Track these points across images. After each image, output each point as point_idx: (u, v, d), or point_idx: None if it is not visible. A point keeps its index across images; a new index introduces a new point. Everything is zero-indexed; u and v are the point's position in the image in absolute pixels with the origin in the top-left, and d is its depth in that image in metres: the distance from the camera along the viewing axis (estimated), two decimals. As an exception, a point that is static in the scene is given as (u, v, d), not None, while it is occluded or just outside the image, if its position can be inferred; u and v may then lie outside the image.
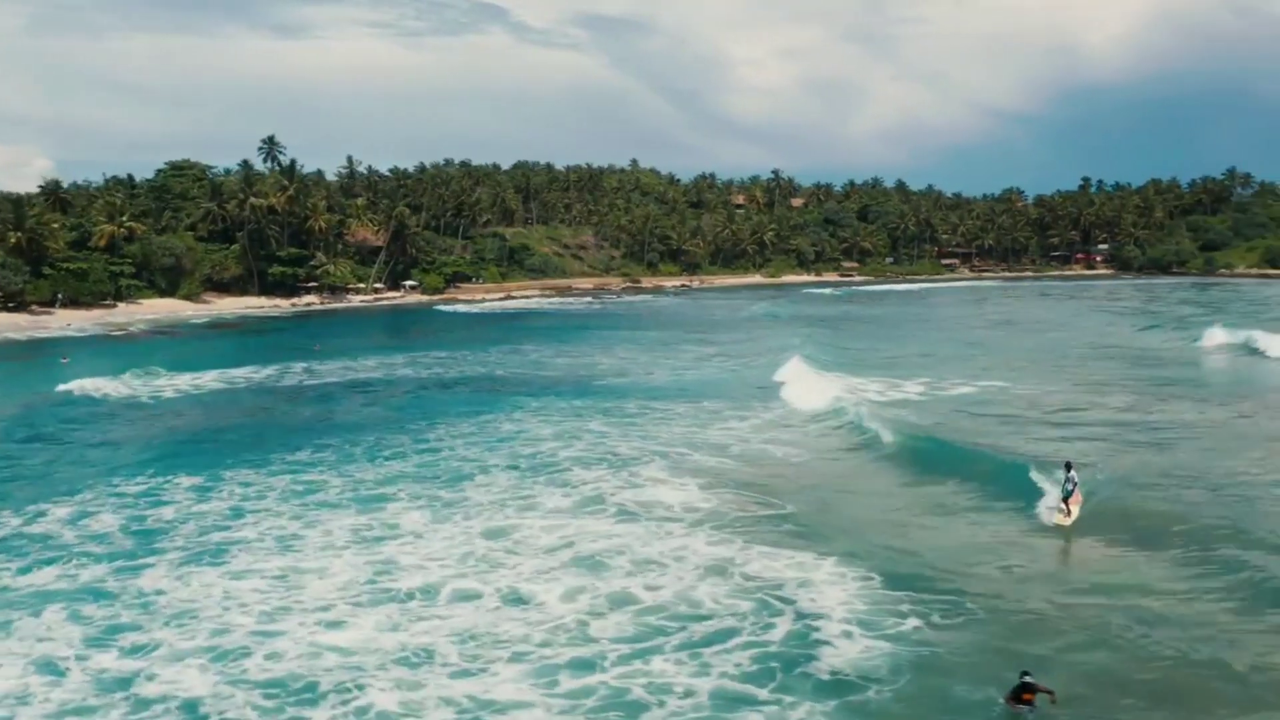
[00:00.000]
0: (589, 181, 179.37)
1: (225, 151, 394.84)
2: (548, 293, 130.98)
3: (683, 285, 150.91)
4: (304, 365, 52.83)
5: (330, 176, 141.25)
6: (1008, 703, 12.56)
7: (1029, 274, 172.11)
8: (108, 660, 15.07)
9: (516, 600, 17.20)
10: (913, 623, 15.34)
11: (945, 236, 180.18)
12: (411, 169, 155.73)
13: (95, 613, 17.01)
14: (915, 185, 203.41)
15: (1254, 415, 33.64)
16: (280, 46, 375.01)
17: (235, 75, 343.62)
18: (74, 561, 19.77)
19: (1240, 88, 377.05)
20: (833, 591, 16.62)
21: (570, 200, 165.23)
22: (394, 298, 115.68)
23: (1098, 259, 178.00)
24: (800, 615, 15.64)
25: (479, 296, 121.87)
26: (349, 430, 33.42)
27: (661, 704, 13.27)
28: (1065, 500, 19.40)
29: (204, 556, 19.96)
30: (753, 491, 24.12)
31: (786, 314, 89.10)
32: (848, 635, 14.88)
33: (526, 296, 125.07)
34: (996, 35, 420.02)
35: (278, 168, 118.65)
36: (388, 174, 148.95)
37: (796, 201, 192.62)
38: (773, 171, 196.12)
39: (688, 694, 13.47)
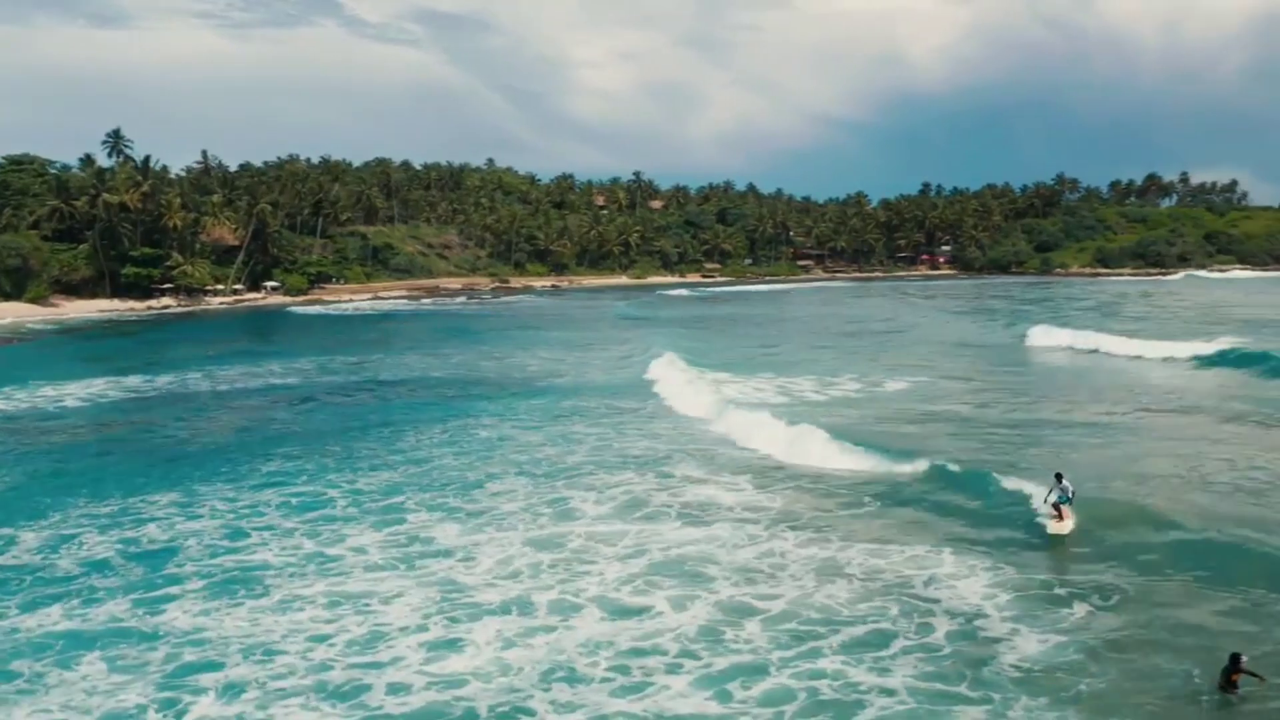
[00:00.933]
0: (450, 180, 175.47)
1: (46, 146, 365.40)
2: (416, 293, 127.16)
3: (553, 285, 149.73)
4: (201, 371, 48.97)
5: (176, 172, 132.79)
6: (1222, 688, 12.40)
7: (879, 274, 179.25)
8: (209, 708, 13.08)
9: (624, 611, 16.02)
10: (1080, 609, 15.10)
11: (800, 239, 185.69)
12: (260, 165, 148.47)
13: (145, 656, 14.79)
14: (746, 188, 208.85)
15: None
16: (98, 35, 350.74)
17: (52, 66, 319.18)
18: (81, 595, 17.26)
19: (1051, 98, 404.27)
20: (970, 585, 16.19)
21: (435, 199, 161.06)
22: (255, 299, 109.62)
23: (941, 260, 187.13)
24: (952, 613, 15.10)
25: (345, 297, 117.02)
26: (308, 439, 30.91)
27: (864, 703, 12.49)
28: (1058, 506, 18.99)
29: (234, 586, 17.73)
30: (818, 485, 23.59)
31: (686, 315, 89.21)
32: (1014, 629, 14.45)
33: (395, 297, 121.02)
34: (827, 45, 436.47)
35: (122, 162, 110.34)
36: (239, 170, 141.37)
37: (655, 203, 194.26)
38: (633, 173, 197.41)
39: (885, 692, 12.74)
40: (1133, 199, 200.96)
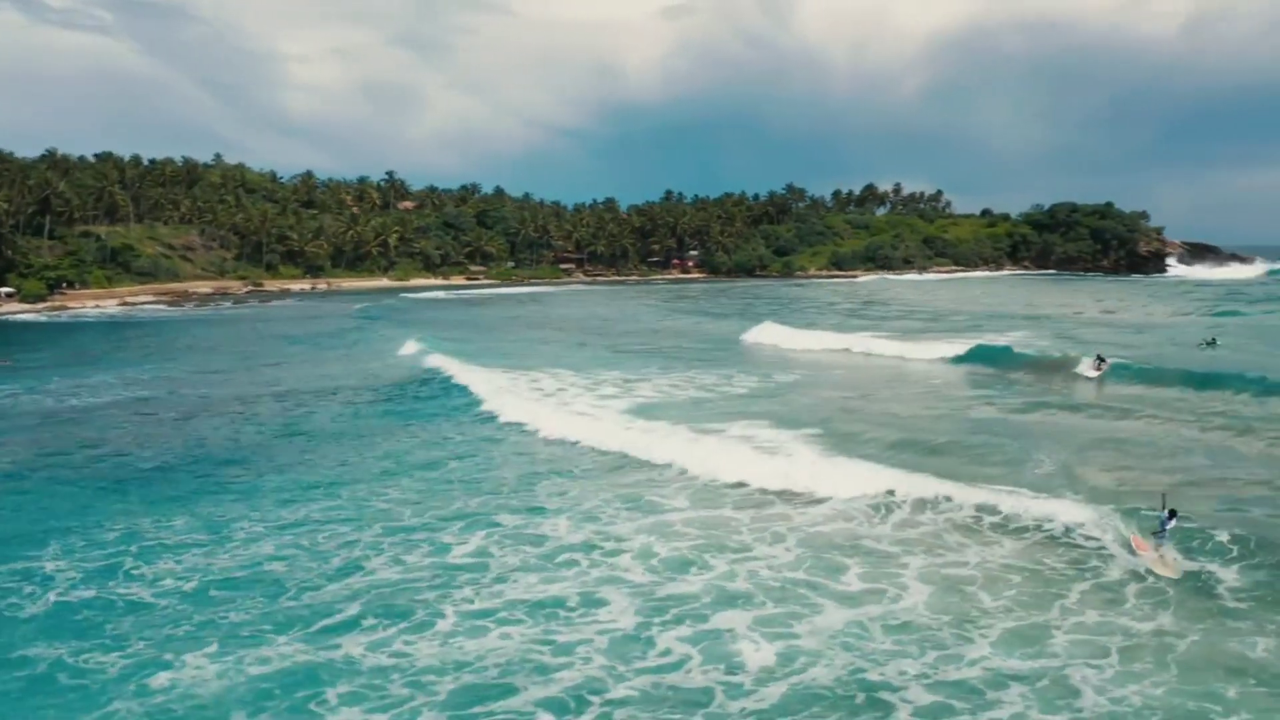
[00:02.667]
0: (186, 176, 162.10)
1: None
2: (165, 298, 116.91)
3: (311, 288, 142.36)
4: (17, 387, 43.04)
5: None
6: None
7: (635, 277, 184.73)
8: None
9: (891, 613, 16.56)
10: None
11: (559, 243, 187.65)
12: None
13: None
14: (495, 191, 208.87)
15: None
16: None
17: None
18: (211, 634, 15.53)
19: (754, 111, 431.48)
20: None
21: (177, 196, 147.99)
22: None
23: (690, 264, 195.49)
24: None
25: (91, 304, 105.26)
26: (278, 454, 28.69)
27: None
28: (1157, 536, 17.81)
29: (394, 615, 16.63)
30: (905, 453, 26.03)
31: (476, 318, 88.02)
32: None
33: (145, 302, 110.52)
34: (545, 52, 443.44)
35: None
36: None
37: (407, 204, 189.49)
38: (387, 173, 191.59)
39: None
40: (852, 207, 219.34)
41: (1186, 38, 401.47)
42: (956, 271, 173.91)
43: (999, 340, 54.64)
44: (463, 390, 39.71)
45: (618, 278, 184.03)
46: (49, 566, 19.17)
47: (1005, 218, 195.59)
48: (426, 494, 24.29)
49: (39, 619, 16.66)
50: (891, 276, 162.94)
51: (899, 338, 57.68)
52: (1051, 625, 15.44)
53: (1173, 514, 18.10)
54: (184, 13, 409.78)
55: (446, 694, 13.66)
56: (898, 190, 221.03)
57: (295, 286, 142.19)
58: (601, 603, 16.89)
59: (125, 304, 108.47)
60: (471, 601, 17.17)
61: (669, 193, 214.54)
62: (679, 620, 16.04)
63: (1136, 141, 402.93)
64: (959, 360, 48.49)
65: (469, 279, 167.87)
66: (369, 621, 16.36)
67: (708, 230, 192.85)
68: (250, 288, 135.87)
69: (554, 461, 27.59)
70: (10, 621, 16.57)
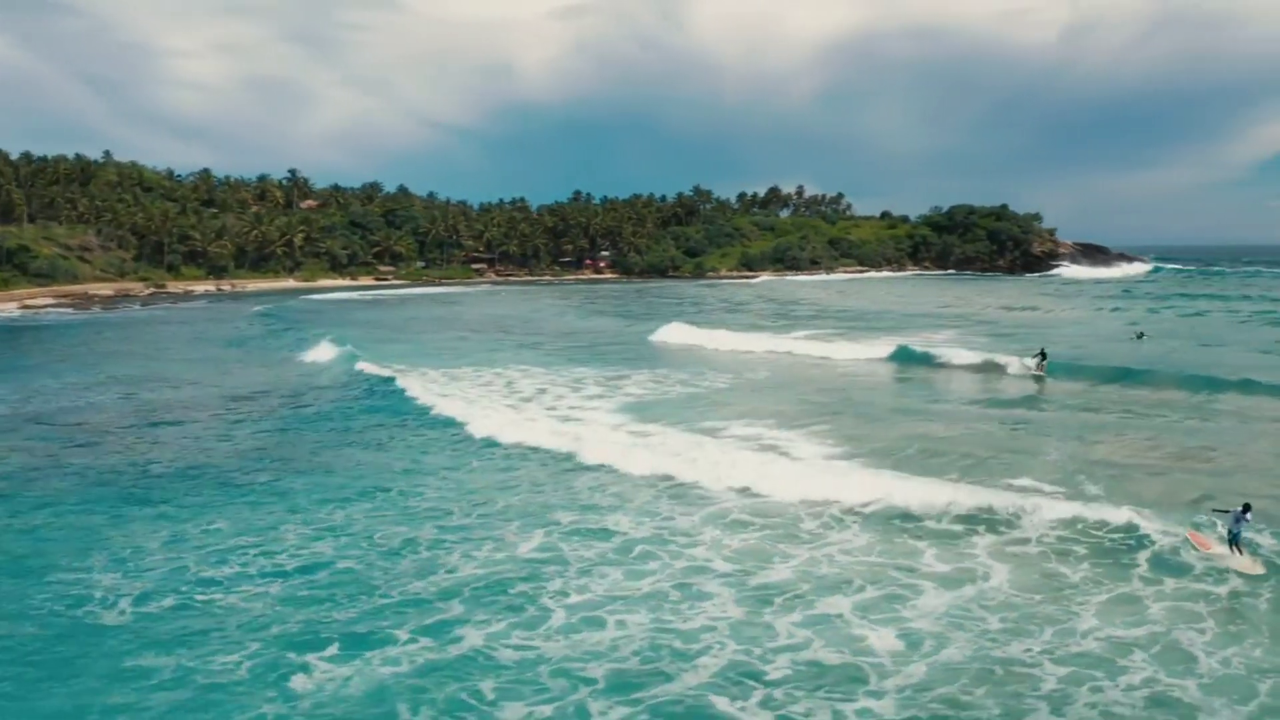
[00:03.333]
0: (80, 174, 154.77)
1: None
2: (66, 300, 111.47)
3: (217, 290, 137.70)
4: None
5: None
6: None
7: (548, 277, 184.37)
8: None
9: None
10: None
11: (469, 243, 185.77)
12: None
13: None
14: (398, 189, 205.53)
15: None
16: None
17: None
18: (324, 634, 15.51)
19: (649, 112, 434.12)
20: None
21: (74, 195, 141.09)
22: None
23: (603, 264, 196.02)
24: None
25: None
26: (273, 460, 27.94)
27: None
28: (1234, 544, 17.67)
29: (499, 609, 16.83)
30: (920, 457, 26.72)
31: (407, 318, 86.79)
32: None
33: (47, 306, 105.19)
34: (438, 50, 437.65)
35: None
36: None
37: (310, 203, 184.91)
38: (289, 171, 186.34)
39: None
40: (756, 209, 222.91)
41: (1064, 45, 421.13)
42: (864, 272, 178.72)
43: (935, 338, 57.03)
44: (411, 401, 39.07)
45: (530, 278, 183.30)
46: (106, 579, 18.51)
47: (905, 220, 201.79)
48: (455, 493, 24.29)
49: (130, 628, 16.21)
50: (797, 277, 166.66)
51: (849, 337, 59.48)
52: (1140, 596, 16.54)
53: (1247, 508, 17.96)
54: (60, 5, 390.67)
55: (604, 681, 13.90)
56: (800, 192, 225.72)
57: (199, 288, 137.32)
58: (703, 594, 17.28)
59: (26, 307, 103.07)
60: (568, 594, 17.37)
61: (578, 193, 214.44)
62: (788, 608, 16.55)
63: (1019, 145, 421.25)
64: (895, 358, 49.88)
65: (378, 279, 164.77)
66: (479, 616, 16.44)
67: (619, 231, 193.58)
68: (153, 289, 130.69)
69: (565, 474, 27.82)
70: (101, 631, 16.09)
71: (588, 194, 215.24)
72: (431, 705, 13.37)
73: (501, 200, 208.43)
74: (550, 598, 17.19)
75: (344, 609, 16.84)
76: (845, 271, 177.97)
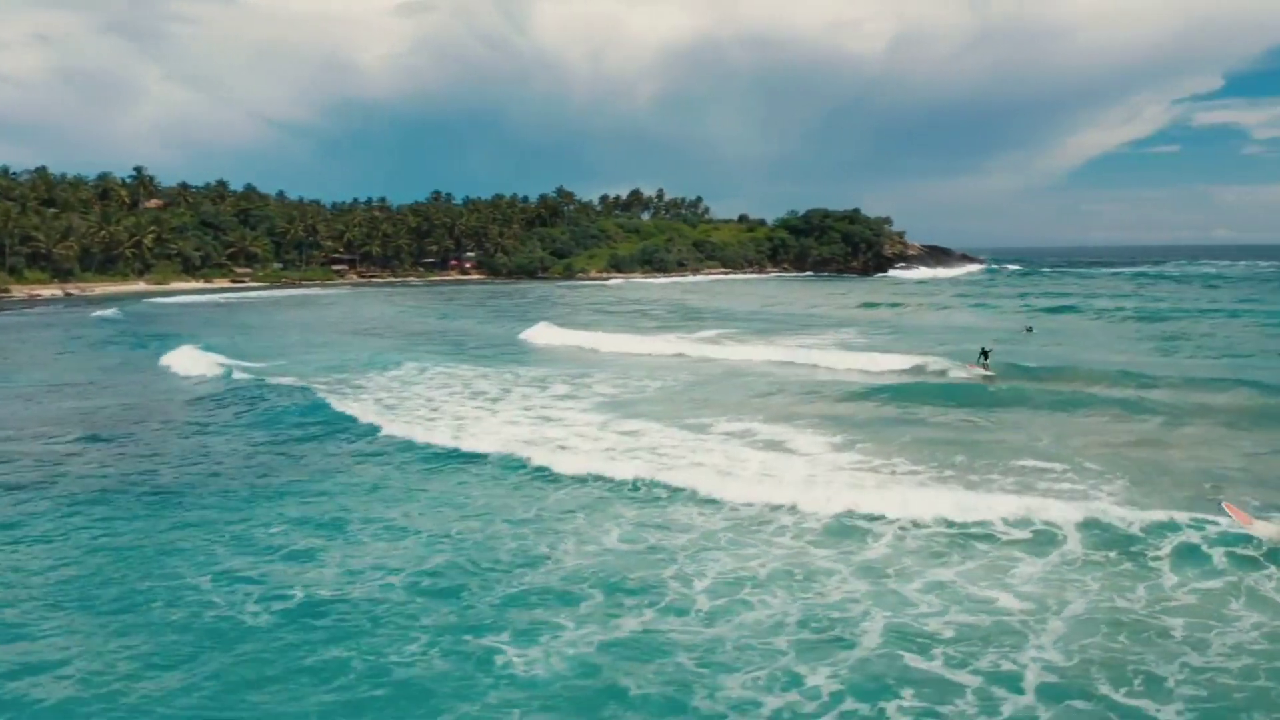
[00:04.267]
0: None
1: None
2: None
3: (65, 294, 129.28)
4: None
5: None
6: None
7: (413, 279, 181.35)
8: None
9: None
10: None
11: (329, 243, 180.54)
12: None
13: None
14: (245, 189, 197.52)
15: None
16: None
17: None
18: (488, 623, 15.88)
19: (495, 112, 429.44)
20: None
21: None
22: None
23: (469, 265, 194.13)
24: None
25: None
26: (264, 469, 27.41)
27: None
28: None
29: (635, 593, 17.48)
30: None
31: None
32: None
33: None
34: (272, 44, 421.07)
35: None
36: None
37: (154, 202, 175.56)
38: (135, 169, 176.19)
39: None
40: (619, 211, 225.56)
41: (893, 56, 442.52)
42: (729, 273, 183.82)
43: (851, 339, 60.04)
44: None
45: (394, 279, 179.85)
46: (203, 581, 18.12)
47: (762, 223, 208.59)
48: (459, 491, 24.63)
49: (285, 628, 15.87)
50: (667, 279, 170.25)
51: (766, 339, 61.60)
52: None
53: None
54: None
55: (804, 647, 14.83)
56: (661, 195, 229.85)
57: (45, 292, 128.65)
58: (824, 570, 18.36)
59: None
60: (691, 581, 17.80)
61: (437, 193, 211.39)
62: (906, 577, 17.87)
63: (853, 151, 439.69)
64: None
65: (235, 282, 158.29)
66: (629, 602, 16.84)
67: (486, 232, 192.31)
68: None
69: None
70: (257, 632, 15.79)
71: (448, 194, 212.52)
72: (640, 684, 13.85)
73: (356, 200, 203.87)
74: (678, 581, 17.87)
75: (482, 599, 16.99)
76: (710, 273, 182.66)
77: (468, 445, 28.71)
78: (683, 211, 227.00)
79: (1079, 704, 13.17)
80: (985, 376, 40.85)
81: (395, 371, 46.50)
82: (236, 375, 44.16)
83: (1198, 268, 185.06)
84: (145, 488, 24.76)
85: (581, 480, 24.87)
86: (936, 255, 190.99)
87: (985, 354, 42.53)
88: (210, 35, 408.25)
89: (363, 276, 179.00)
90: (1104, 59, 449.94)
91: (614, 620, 16.12)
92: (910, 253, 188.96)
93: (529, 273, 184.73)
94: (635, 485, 24.22)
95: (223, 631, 15.83)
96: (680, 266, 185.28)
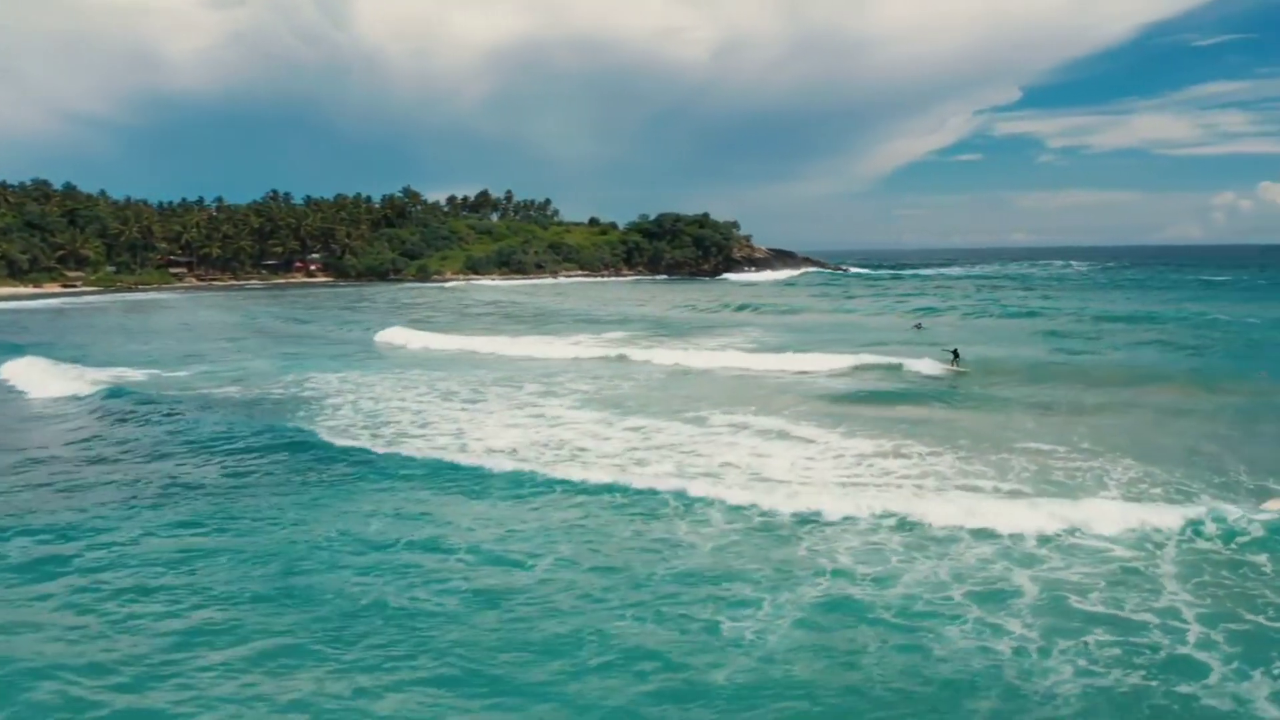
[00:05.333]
0: None
1: None
2: None
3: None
4: None
5: None
6: None
7: (255, 281, 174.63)
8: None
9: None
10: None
11: (164, 245, 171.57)
12: None
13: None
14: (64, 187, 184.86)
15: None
16: None
17: None
18: (635, 609, 17.18)
19: (315, 110, 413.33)
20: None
21: None
22: None
23: (315, 267, 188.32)
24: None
25: None
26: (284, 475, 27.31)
27: None
28: None
29: (725, 598, 19.04)
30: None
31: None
32: None
33: None
34: (72, 35, 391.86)
35: None
36: None
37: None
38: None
39: None
40: (466, 212, 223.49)
41: (715, 63, 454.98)
42: (588, 275, 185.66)
43: (767, 339, 62.74)
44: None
45: (235, 282, 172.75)
46: (329, 580, 18.47)
47: (614, 226, 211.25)
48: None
49: (469, 615, 16.53)
50: (526, 280, 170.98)
51: (663, 344, 63.65)
52: None
53: None
54: None
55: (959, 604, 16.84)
56: (510, 197, 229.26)
57: None
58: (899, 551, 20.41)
59: None
60: (792, 586, 17.47)
61: (274, 192, 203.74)
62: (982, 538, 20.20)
63: (680, 155, 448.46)
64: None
65: (66, 286, 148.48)
66: (745, 592, 17.62)
67: (333, 233, 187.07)
68: None
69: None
70: (454, 615, 16.41)
71: (286, 193, 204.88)
72: (813, 662, 15.13)
73: (186, 199, 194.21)
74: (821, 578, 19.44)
75: (619, 593, 17.47)
76: (568, 275, 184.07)
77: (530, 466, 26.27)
78: (532, 214, 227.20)
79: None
80: (958, 374, 41.60)
81: (326, 376, 45.17)
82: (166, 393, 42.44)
83: (1021, 269, 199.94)
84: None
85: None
86: (782, 258, 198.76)
87: (956, 354, 43.28)
88: (3, 25, 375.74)
89: (202, 280, 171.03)
90: (912, 70, 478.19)
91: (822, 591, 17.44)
92: (757, 256, 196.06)
93: (380, 275, 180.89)
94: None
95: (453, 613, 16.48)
96: (539, 269, 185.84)
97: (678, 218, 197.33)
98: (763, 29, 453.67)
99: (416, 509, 22.81)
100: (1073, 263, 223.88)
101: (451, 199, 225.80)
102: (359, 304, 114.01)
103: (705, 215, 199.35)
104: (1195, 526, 19.78)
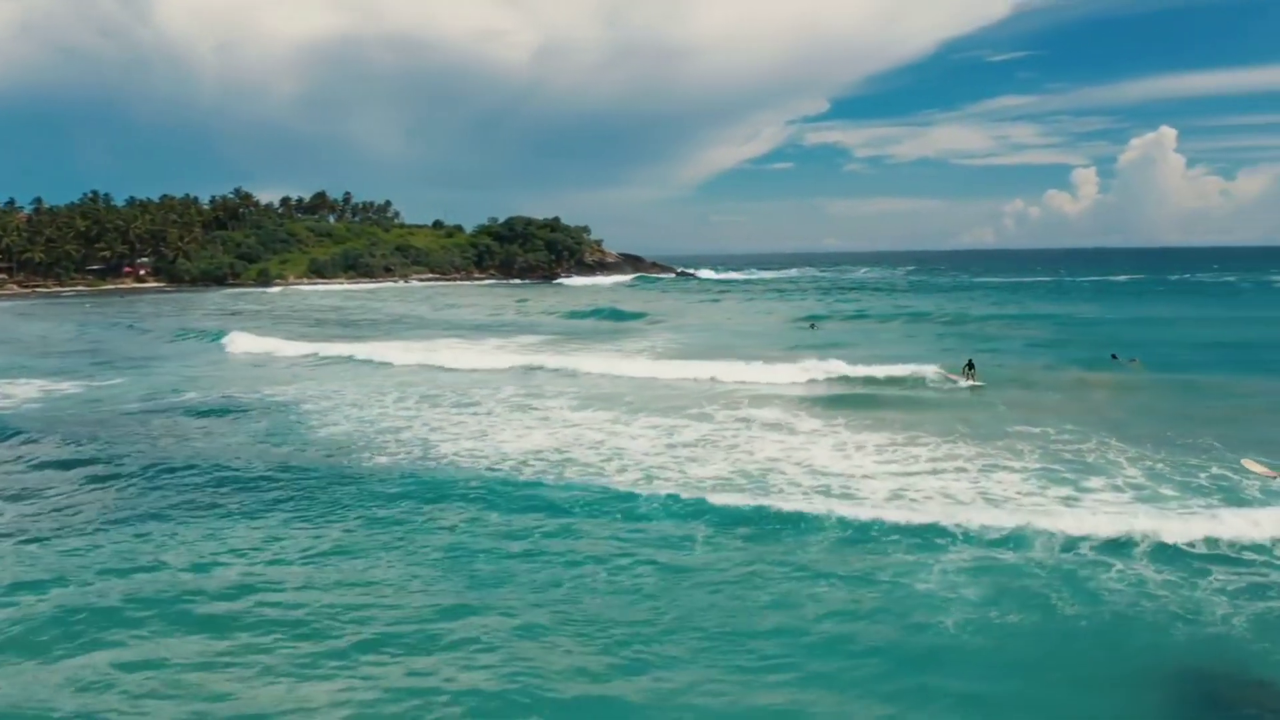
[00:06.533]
0: None
1: None
2: None
3: None
4: None
5: None
6: None
7: (81, 287, 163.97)
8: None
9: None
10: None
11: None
12: None
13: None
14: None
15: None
16: None
17: None
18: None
19: (112, 106, 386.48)
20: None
21: None
22: None
23: (144, 271, 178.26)
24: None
25: None
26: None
27: None
28: None
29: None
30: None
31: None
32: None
33: None
34: None
35: None
36: None
37: None
38: None
39: None
40: (301, 214, 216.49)
41: (537, 67, 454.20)
42: (441, 279, 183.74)
43: (674, 348, 64.98)
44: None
45: (61, 288, 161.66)
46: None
47: (460, 228, 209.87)
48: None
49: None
50: (372, 284, 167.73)
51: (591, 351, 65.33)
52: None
53: None
54: None
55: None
56: (348, 199, 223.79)
57: None
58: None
59: None
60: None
61: (95, 193, 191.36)
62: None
63: (504, 159, 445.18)
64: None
65: None
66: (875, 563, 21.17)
67: (163, 235, 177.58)
68: None
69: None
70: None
71: (106, 194, 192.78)
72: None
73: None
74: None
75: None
76: (419, 279, 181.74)
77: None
78: (372, 216, 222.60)
79: None
80: (974, 386, 40.00)
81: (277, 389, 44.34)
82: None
83: (856, 273, 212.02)
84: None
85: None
86: (632, 262, 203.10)
87: (970, 365, 41.51)
88: None
89: (24, 286, 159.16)
90: (728, 80, 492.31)
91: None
92: (609, 260, 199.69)
93: (217, 279, 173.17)
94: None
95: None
96: (387, 271, 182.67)
97: (529, 221, 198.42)
98: (583, 34, 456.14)
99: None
100: (892, 269, 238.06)
101: (285, 200, 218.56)
102: (211, 309, 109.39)
103: (556, 219, 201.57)
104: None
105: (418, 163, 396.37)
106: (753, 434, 31.15)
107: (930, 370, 42.75)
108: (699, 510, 22.27)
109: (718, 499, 22.83)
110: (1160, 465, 25.99)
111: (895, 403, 37.49)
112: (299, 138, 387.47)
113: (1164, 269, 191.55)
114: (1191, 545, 19.32)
